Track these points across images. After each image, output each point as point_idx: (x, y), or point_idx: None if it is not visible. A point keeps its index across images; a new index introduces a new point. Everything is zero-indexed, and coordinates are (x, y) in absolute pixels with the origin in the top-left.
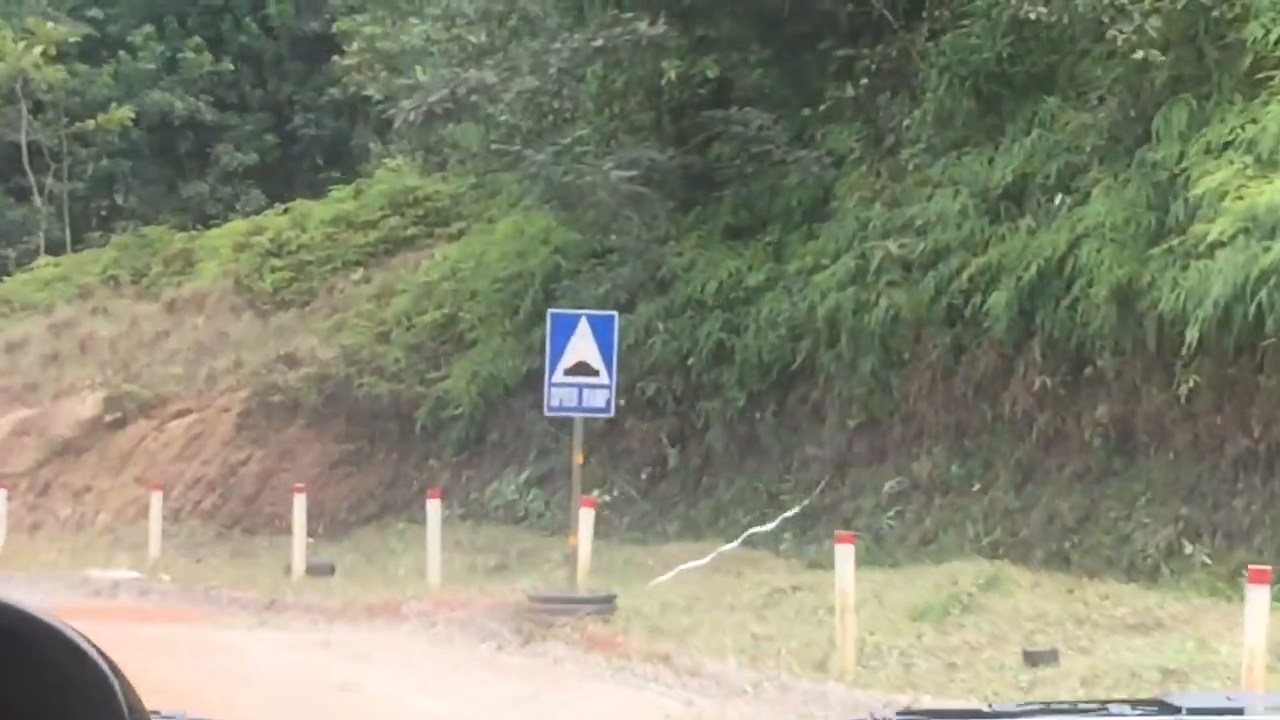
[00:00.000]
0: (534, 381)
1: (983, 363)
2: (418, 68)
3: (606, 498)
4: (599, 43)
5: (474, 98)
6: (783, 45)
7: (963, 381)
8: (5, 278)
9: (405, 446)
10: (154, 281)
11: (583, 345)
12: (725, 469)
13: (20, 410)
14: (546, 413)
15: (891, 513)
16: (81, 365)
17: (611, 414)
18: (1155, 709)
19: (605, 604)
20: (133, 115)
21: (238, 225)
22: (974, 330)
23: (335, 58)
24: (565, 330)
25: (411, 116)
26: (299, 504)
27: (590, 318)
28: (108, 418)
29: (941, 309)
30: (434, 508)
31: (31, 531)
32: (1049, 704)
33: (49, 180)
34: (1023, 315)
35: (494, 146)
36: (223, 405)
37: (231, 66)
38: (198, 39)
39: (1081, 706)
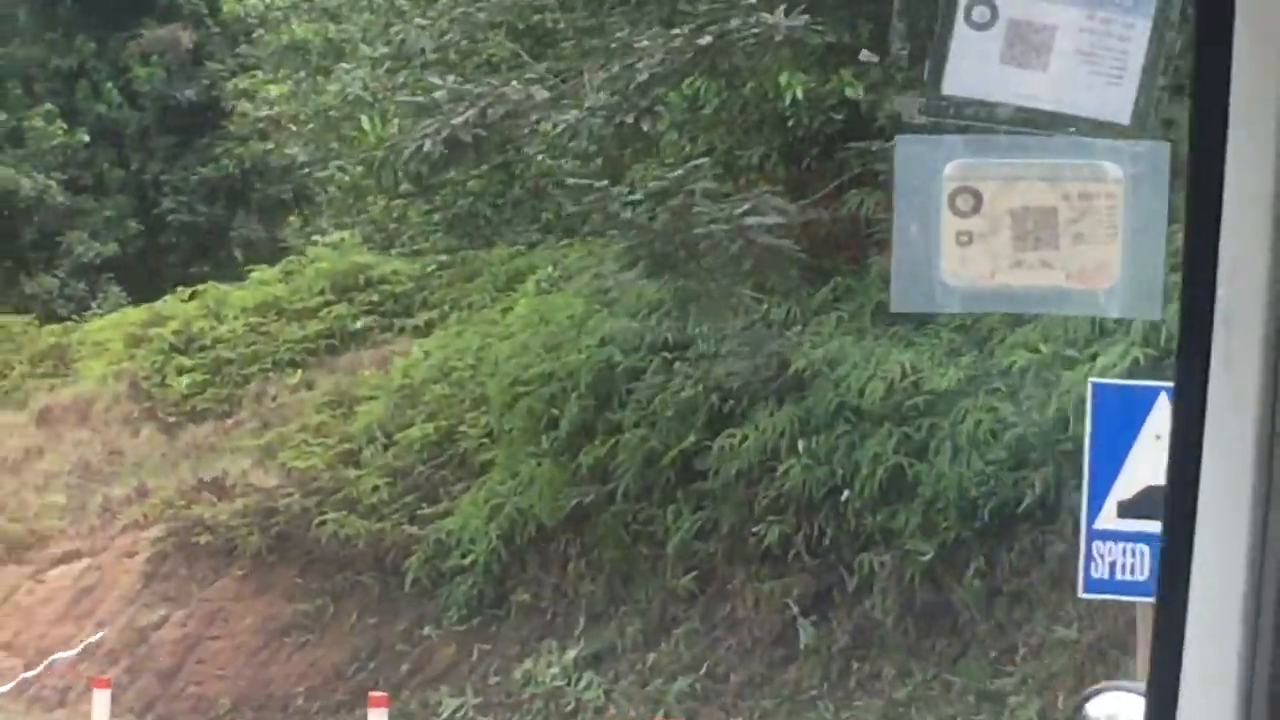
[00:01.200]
0: (583, 519)
1: None
2: (363, 119)
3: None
4: (706, 40)
5: (508, 122)
6: None
7: None
8: None
9: (389, 607)
10: (17, 385)
11: (1158, 456)
12: (895, 652)
13: None
14: (1084, 593)
15: None
16: None
17: None
18: None
19: None
20: None
21: (131, 314)
22: None
23: (244, 110)
24: (1120, 423)
25: (427, 146)
26: None
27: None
28: None
29: None
30: None
31: None
32: None
33: None
34: None
35: (570, 181)
36: (125, 547)
37: (87, 139)
38: (48, 106)
39: None
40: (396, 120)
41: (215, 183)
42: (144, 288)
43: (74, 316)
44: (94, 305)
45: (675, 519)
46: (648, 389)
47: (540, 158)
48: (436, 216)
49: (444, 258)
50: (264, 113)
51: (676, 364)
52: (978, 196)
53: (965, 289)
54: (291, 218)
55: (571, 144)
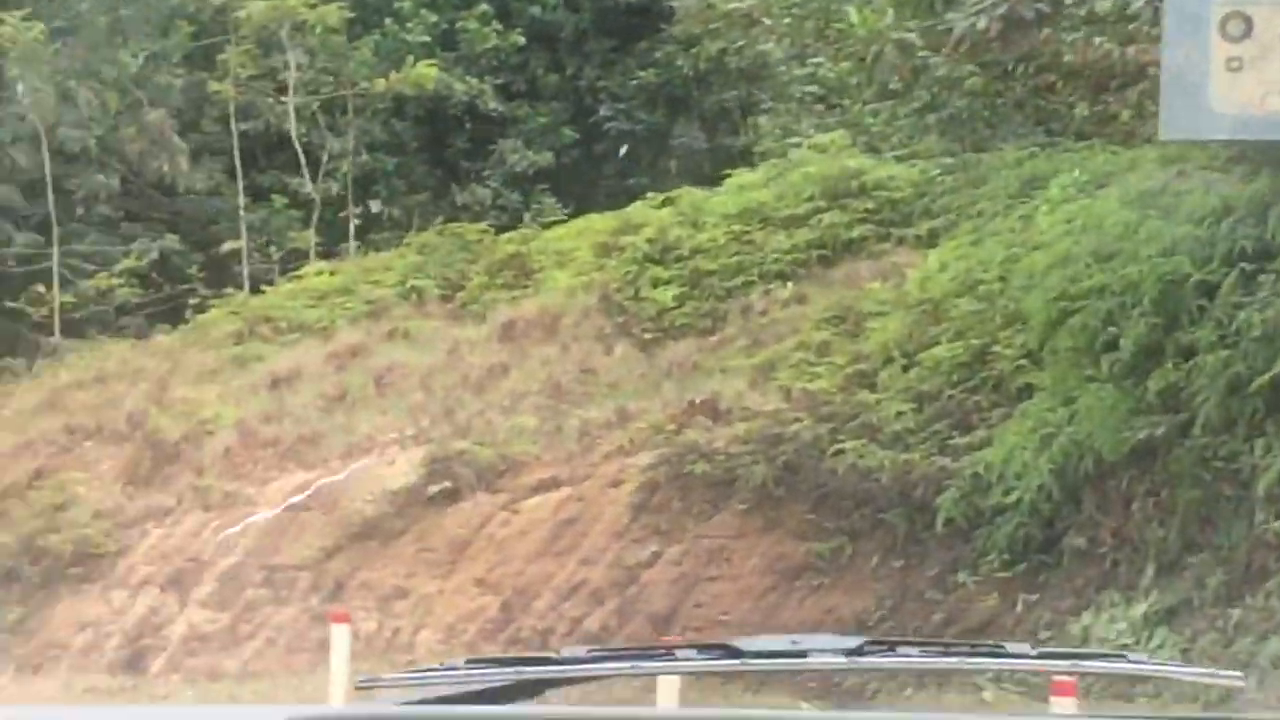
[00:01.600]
0: (1151, 453)
1: None
2: (850, 10)
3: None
4: None
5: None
6: None
7: None
8: (265, 288)
9: (916, 550)
10: (475, 296)
11: None
12: None
13: (296, 474)
14: None
15: None
16: (381, 411)
17: None
18: (720, 653)
19: None
20: (434, 70)
21: (597, 221)
22: None
23: (705, 5)
24: None
25: (981, 24)
26: None
27: None
28: (431, 489)
29: None
30: None
31: (317, 653)
32: (616, 650)
33: (300, 180)
34: None
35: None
36: (609, 476)
37: (522, 42)
38: (483, 7)
39: (649, 651)
40: (890, 10)
41: (654, 89)
42: (579, 199)
43: (510, 230)
44: (527, 218)
45: (1265, 455)
46: (1226, 305)
47: (1102, 42)
48: (930, 118)
49: (949, 160)
50: (732, 6)
51: (1260, 276)
52: (1248, 22)
53: (1234, 115)
54: (761, 119)
55: (1133, 25)
